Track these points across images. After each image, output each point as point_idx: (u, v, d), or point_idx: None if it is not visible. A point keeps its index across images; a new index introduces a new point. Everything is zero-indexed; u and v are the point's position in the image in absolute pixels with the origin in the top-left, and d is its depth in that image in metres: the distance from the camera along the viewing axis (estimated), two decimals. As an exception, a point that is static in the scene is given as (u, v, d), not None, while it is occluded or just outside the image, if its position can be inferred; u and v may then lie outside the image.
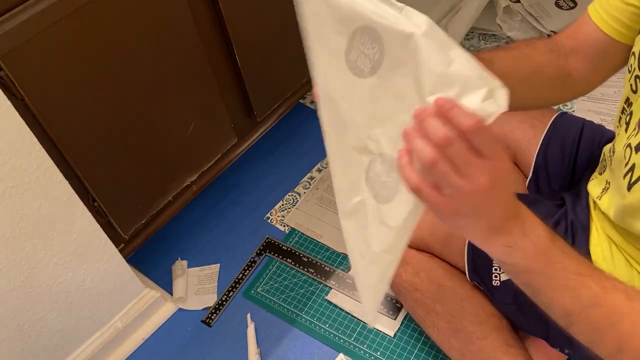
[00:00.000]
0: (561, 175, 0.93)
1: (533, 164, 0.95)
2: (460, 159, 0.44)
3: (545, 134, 0.95)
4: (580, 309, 0.52)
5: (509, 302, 0.83)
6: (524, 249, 0.51)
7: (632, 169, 0.65)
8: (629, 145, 0.66)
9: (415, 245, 0.93)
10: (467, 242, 0.86)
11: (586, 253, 0.76)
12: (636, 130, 0.65)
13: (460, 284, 0.88)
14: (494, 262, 0.82)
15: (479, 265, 0.85)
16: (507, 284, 0.81)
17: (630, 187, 0.65)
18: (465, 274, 0.88)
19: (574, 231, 0.79)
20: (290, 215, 1.28)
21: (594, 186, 0.78)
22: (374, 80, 0.52)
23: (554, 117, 0.96)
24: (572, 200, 0.83)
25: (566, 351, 0.79)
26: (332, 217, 1.26)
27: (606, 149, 0.78)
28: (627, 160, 0.66)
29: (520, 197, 0.56)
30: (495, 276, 0.83)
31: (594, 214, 0.78)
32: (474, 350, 0.85)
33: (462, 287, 0.88)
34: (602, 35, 0.73)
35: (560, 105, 1.41)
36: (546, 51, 0.77)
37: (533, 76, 0.74)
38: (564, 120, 0.95)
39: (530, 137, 0.96)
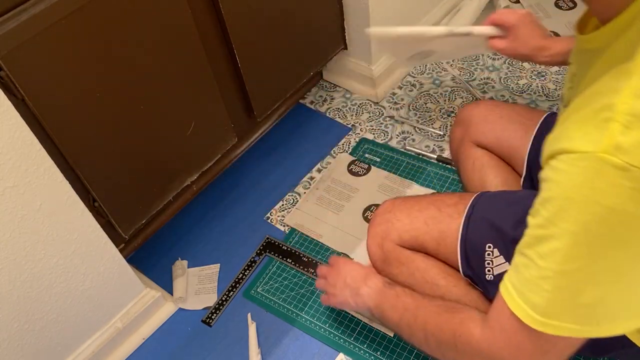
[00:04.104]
0: None
1: (526, 161, 0.99)
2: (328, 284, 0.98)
3: (536, 132, 0.99)
4: (401, 317, 0.82)
5: None
6: (368, 294, 0.89)
7: None
8: None
9: (411, 246, 0.94)
10: (459, 237, 0.87)
11: None
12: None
13: (454, 283, 0.89)
14: (486, 257, 0.83)
15: (471, 261, 0.86)
16: (501, 277, 0.82)
17: None
18: (459, 271, 0.88)
19: None
20: (290, 215, 1.28)
21: None
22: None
23: (544, 116, 1.01)
24: None
25: None
26: (332, 217, 1.26)
27: None
28: None
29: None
30: (489, 270, 0.83)
31: None
32: None
33: (456, 287, 0.88)
34: None
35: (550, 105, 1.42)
36: None
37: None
38: (554, 119, 0.97)
39: (521, 136, 1.01)
